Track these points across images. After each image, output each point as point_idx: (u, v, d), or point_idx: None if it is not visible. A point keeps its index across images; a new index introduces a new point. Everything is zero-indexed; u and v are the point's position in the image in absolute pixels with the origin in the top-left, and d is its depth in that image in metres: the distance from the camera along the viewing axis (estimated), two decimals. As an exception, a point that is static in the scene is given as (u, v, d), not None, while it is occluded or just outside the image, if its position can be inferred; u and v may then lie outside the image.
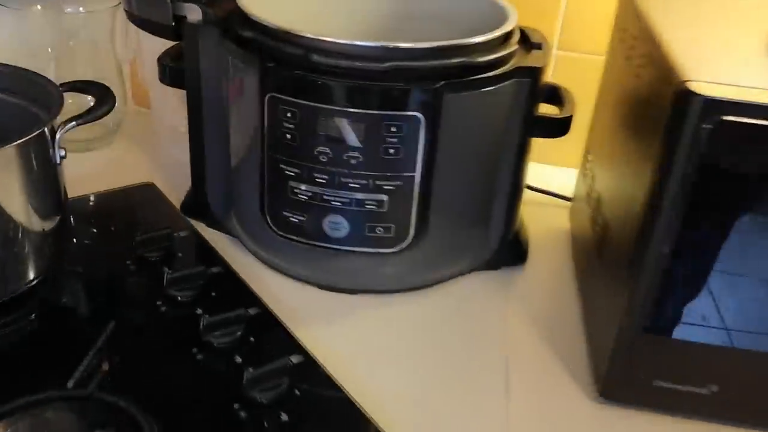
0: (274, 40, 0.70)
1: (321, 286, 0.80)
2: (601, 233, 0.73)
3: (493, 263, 0.85)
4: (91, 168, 0.98)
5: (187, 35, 0.77)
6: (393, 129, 0.68)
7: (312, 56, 0.67)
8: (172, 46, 0.83)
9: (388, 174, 0.70)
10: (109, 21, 0.98)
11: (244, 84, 0.73)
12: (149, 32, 0.79)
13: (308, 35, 0.68)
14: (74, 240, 0.81)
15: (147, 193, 0.93)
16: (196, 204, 0.87)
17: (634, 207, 0.61)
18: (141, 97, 1.12)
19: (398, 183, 0.71)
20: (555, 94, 0.80)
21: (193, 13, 0.76)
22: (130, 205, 0.91)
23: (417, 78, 0.68)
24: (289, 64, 0.68)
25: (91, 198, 0.90)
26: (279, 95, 0.69)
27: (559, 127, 0.77)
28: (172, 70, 0.80)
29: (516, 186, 0.80)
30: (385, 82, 0.67)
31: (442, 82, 0.67)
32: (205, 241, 0.84)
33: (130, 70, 1.10)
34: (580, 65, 0.97)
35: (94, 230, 0.84)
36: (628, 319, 0.63)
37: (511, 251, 0.85)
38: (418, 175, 0.71)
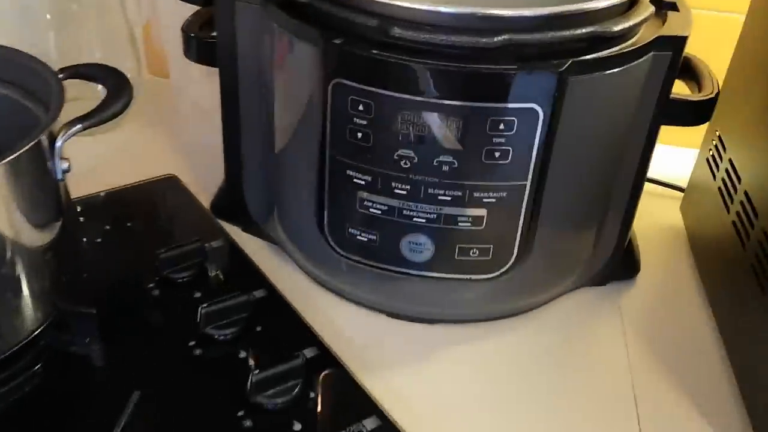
0: (341, 6, 0.52)
1: (391, 315, 0.63)
2: (766, 251, 0.56)
3: (601, 278, 0.68)
4: (96, 157, 0.81)
5: (218, -2, 0.60)
6: (501, 126, 0.51)
7: (393, 29, 0.50)
8: (200, 10, 0.65)
9: (491, 183, 0.53)
10: (117, -22, 0.80)
11: (299, 65, 0.55)
12: (173, -5, 0.61)
13: (387, 0, 0.51)
14: (80, 264, 0.64)
15: (168, 188, 0.76)
16: (230, 204, 0.71)
17: None
18: (158, 65, 0.95)
19: (503, 194, 0.54)
20: (688, 69, 0.62)
21: (227, -31, 0.59)
22: (149, 207, 0.74)
23: (535, 57, 0.50)
24: (362, 40, 0.51)
25: (99, 199, 0.73)
26: (347, 81, 0.51)
27: (698, 112, 0.60)
28: (200, 43, 0.63)
29: (637, 187, 0.63)
30: (493, 63, 0.49)
31: (570, 62, 0.50)
32: (245, 256, 0.68)
33: (143, 35, 0.92)
34: (703, 25, 0.79)
35: (105, 242, 0.68)
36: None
37: (622, 263, 0.68)
38: (529, 184, 0.53)
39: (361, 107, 0.52)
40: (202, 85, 0.82)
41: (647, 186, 0.78)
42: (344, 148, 0.54)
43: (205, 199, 0.75)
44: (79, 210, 0.71)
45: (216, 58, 0.62)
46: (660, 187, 0.83)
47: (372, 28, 0.51)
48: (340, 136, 0.54)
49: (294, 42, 0.55)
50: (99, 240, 0.68)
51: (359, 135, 0.53)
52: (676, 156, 0.84)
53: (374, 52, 0.50)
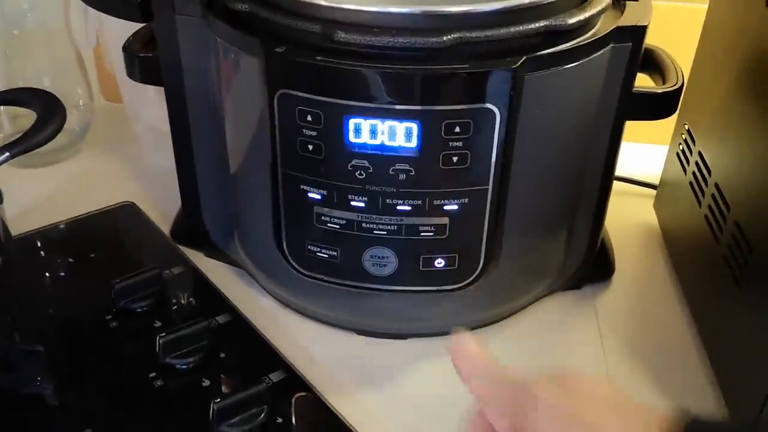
0: (281, 13, 0.50)
1: (360, 332, 0.61)
2: (739, 243, 0.54)
3: (575, 281, 0.66)
4: (52, 189, 0.78)
5: (158, 13, 0.57)
6: (457, 129, 0.49)
7: (337, 34, 0.48)
8: (141, 28, 0.63)
9: (451, 189, 0.51)
10: (59, 1, 0.77)
11: (244, 78, 0.53)
12: (110, 13, 0.59)
13: (329, 3, 0.49)
14: (30, 299, 0.61)
15: (127, 216, 0.74)
16: (190, 229, 0.68)
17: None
18: (111, 91, 0.92)
19: (464, 200, 0.51)
20: (651, 61, 0.60)
21: (165, -17, 0.56)
22: (107, 236, 0.72)
23: (489, 55, 0.48)
24: (306, 47, 0.49)
25: (58, 230, 0.70)
26: (293, 92, 0.49)
27: (663, 105, 0.58)
28: (143, 62, 0.60)
29: (606, 185, 0.61)
30: (444, 64, 0.47)
31: (524, 58, 0.48)
32: (207, 281, 0.65)
33: (94, 59, 0.90)
34: (667, 17, 0.77)
35: (58, 275, 0.65)
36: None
37: (597, 265, 0.66)
38: (491, 187, 0.51)
39: (309, 118, 0.49)
40: (156, 106, 0.79)
41: (620, 185, 0.76)
42: (296, 162, 0.52)
43: (166, 225, 0.72)
44: (39, 244, 0.68)
45: (161, 76, 0.60)
46: (633, 186, 0.81)
47: (315, 33, 0.49)
48: (290, 150, 0.51)
49: (237, 54, 0.52)
50: (62, 274, 0.65)
51: (310, 147, 0.50)
52: (647, 153, 0.82)
53: (318, 58, 0.48)
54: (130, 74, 0.61)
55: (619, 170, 0.61)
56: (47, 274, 0.65)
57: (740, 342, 0.53)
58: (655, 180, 0.78)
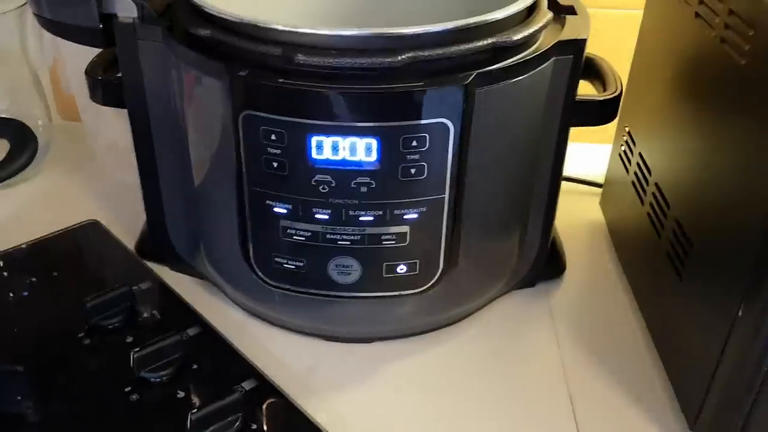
0: (242, 37, 0.52)
1: (328, 338, 0.64)
2: (679, 238, 0.58)
3: (529, 280, 0.70)
4: (13, 209, 0.79)
5: (120, 39, 0.59)
6: (414, 143, 0.51)
7: (297, 57, 0.50)
8: (103, 51, 0.64)
9: (410, 200, 0.54)
10: (16, 24, 0.78)
11: (208, 100, 0.55)
12: (70, 40, 0.60)
13: (288, 28, 0.51)
14: (6, 321, 0.63)
15: (91, 234, 0.75)
16: (155, 244, 0.70)
17: (761, 197, 0.46)
18: (69, 109, 0.93)
19: (423, 209, 0.54)
20: (592, 69, 0.64)
21: (126, 9, 0.58)
22: (73, 255, 0.73)
23: (441, 72, 0.51)
24: (268, 69, 0.51)
25: (22, 252, 0.71)
26: (257, 113, 0.52)
27: (604, 111, 0.62)
28: (106, 86, 0.62)
29: (554, 187, 0.65)
30: (400, 82, 0.50)
31: (474, 74, 0.51)
32: (176, 295, 0.67)
33: (51, 77, 0.90)
34: (605, 24, 0.81)
35: (33, 296, 0.66)
36: (752, 356, 0.48)
37: (549, 263, 0.70)
38: (447, 196, 0.54)
39: (273, 137, 0.52)
40: (116, 124, 0.80)
41: (567, 185, 0.80)
42: (261, 179, 0.54)
43: (131, 241, 0.74)
44: (1, 265, 0.69)
45: (124, 100, 0.62)
46: (580, 185, 0.85)
47: (276, 56, 0.51)
48: (255, 168, 0.54)
49: (200, 77, 0.54)
50: (26, 294, 0.66)
51: (275, 165, 0.53)
52: (592, 153, 0.86)
53: (280, 81, 0.50)
54: (93, 98, 0.62)
55: (566, 170, 0.65)
56: (12, 295, 0.66)
57: (684, 331, 0.57)
58: (600, 179, 0.82)
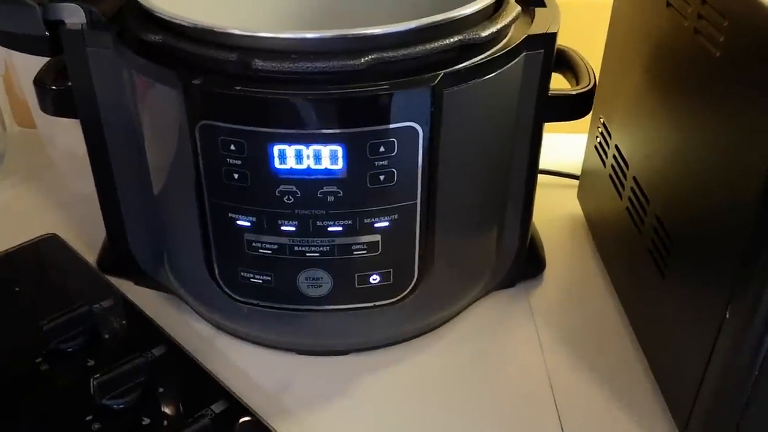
0: (196, 43, 0.49)
1: (301, 351, 0.61)
2: (660, 235, 0.56)
3: (509, 280, 0.68)
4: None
5: (68, 47, 0.56)
6: (382, 149, 0.49)
7: (254, 62, 0.47)
8: (52, 60, 0.61)
9: (381, 207, 0.51)
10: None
11: (162, 109, 0.52)
12: (16, 49, 0.57)
13: (244, 32, 0.48)
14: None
15: (49, 249, 0.72)
16: (117, 258, 0.67)
17: (741, 191, 0.44)
18: (25, 116, 0.89)
19: (394, 216, 0.52)
20: (564, 62, 0.62)
21: (73, 15, 0.55)
22: (29, 272, 0.69)
23: (407, 73, 0.48)
24: (224, 76, 0.48)
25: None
26: (214, 122, 0.49)
27: (578, 106, 0.60)
28: (56, 96, 0.59)
29: (530, 185, 0.63)
30: (363, 85, 0.47)
31: (441, 74, 0.48)
32: (140, 312, 0.64)
33: (4, 84, 0.87)
34: (576, 13, 0.79)
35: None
36: (742, 360, 0.46)
37: (528, 261, 0.68)
38: (419, 202, 0.52)
39: (233, 147, 0.49)
40: (73, 131, 0.77)
41: (543, 177, 0.77)
42: (222, 191, 0.51)
43: (92, 255, 0.70)
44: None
45: (76, 109, 0.58)
46: (556, 177, 0.83)
47: (232, 62, 0.48)
48: (215, 180, 0.51)
49: (153, 85, 0.51)
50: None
51: (236, 176, 0.50)
52: (567, 143, 0.84)
53: (237, 88, 0.47)
54: (43, 108, 0.59)
55: (541, 162, 0.62)
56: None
57: (670, 332, 0.55)
58: (577, 170, 0.80)
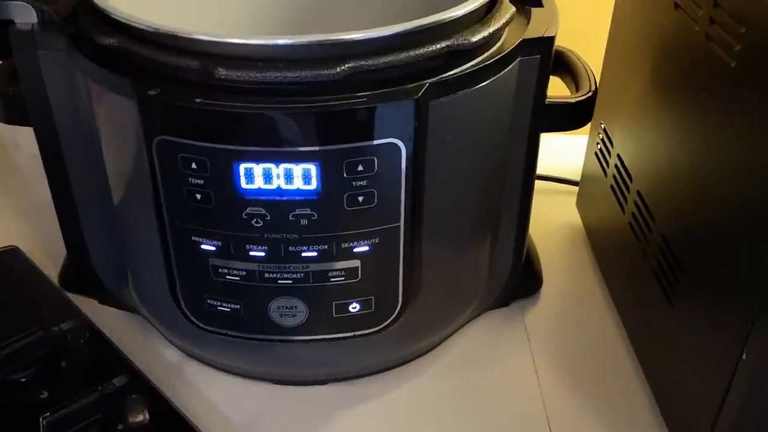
0: (154, 48, 0.44)
1: (276, 381, 0.56)
2: (667, 257, 0.51)
3: (503, 299, 0.63)
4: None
5: (18, 49, 0.51)
6: (360, 168, 0.44)
7: (217, 71, 0.42)
8: (3, 62, 0.55)
9: (360, 231, 0.46)
10: None
11: (117, 120, 0.47)
12: (-42, 52, 0.52)
13: (207, 37, 0.43)
14: None
15: (8, 263, 0.67)
16: (80, 275, 0.62)
17: (761, 213, 0.39)
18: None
19: (375, 240, 0.47)
20: (562, 64, 0.57)
21: (23, 14, 0.50)
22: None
23: (388, 84, 0.43)
24: (184, 86, 0.43)
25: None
26: (173, 138, 0.43)
27: (578, 115, 0.55)
28: (7, 102, 0.54)
29: (525, 199, 0.58)
30: (339, 98, 0.42)
31: (426, 84, 0.43)
32: (101, 335, 0.59)
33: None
34: (577, 11, 0.74)
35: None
36: (760, 406, 0.41)
37: (523, 278, 0.63)
38: (402, 224, 0.47)
39: (194, 165, 0.44)
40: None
41: (539, 183, 0.72)
42: (184, 213, 0.46)
43: (55, 269, 0.65)
44: None
45: (28, 116, 0.53)
46: (552, 183, 0.78)
47: (194, 71, 0.43)
48: (176, 200, 0.46)
49: (107, 94, 0.46)
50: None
51: (198, 196, 0.45)
52: (566, 145, 0.79)
53: (198, 101, 0.42)
54: (-8, 116, 0.54)
55: (537, 167, 0.57)
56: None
57: (679, 366, 0.50)
58: (576, 175, 0.75)
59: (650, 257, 0.54)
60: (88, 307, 0.62)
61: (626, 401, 0.55)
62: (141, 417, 0.52)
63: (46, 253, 0.67)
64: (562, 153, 0.80)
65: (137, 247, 0.53)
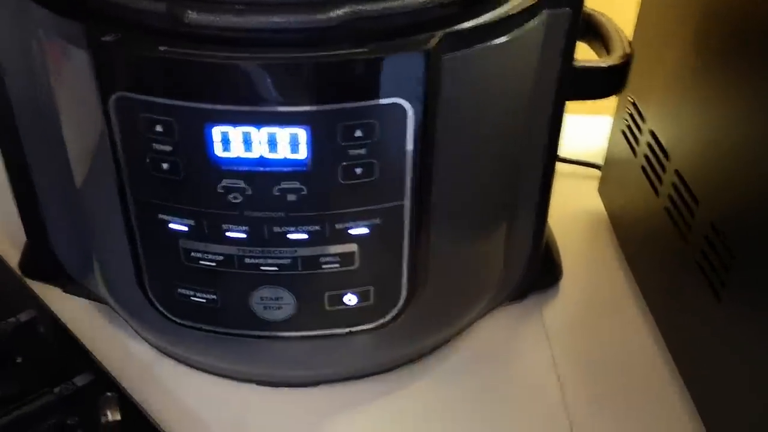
0: (111, -12, 0.37)
1: (260, 383, 0.49)
2: (716, 246, 0.44)
3: (519, 292, 0.56)
4: None
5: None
6: (359, 133, 0.37)
7: (187, 14, 0.35)
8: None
9: (358, 209, 0.39)
10: None
11: (71, 77, 0.40)
12: None
13: (173, -27, 0.36)
14: None
15: (-34, 247, 0.59)
16: (41, 261, 0.55)
17: None
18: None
19: (375, 221, 0.40)
20: (589, 28, 0.49)
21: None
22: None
23: (391, 34, 0.36)
24: (147, 32, 0.36)
25: None
26: (133, 95, 0.36)
27: (610, 81, 0.48)
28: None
29: (547, 179, 0.51)
30: (334, 49, 0.35)
31: (440, 35, 0.36)
32: (63, 328, 0.52)
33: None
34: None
35: None
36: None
37: (542, 270, 0.56)
38: (408, 202, 0.40)
39: (159, 128, 0.37)
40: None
41: (558, 166, 0.65)
42: (149, 186, 0.39)
43: (15, 254, 0.58)
44: None
45: (-25, 78, 0.46)
46: (573, 166, 0.71)
47: (159, 14, 0.36)
48: (140, 170, 0.39)
49: (60, 45, 0.39)
50: None
51: (164, 166, 0.38)
52: (587, 125, 0.72)
53: (162, 49, 0.35)
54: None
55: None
56: None
57: (724, 369, 0.43)
58: (598, 158, 0.68)
59: (693, 247, 0.47)
60: (52, 296, 0.55)
61: (658, 404, 0.48)
62: (105, 422, 0.45)
63: (5, 236, 0.60)
64: (583, 135, 0.73)
65: (100, 229, 0.46)
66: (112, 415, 0.45)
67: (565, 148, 0.66)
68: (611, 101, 0.64)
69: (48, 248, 0.53)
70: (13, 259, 0.58)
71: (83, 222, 0.48)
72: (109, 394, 0.45)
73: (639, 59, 0.56)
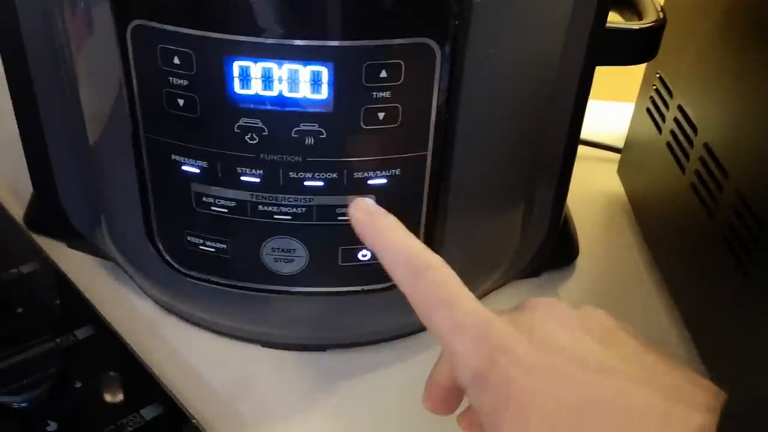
0: None
1: (265, 344, 0.47)
2: (745, 218, 0.42)
3: (534, 268, 0.54)
4: None
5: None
6: (384, 74, 0.35)
7: (210, -61, 0.33)
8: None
9: (378, 158, 0.38)
10: None
11: (89, 9, 0.38)
12: None
13: None
14: None
15: (-30, 199, 0.58)
16: (47, 214, 0.53)
17: None
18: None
19: (395, 171, 0.38)
20: (622, -6, 0.48)
21: None
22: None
23: (423, -31, 0.34)
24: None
25: None
26: (151, 23, 0.35)
27: (643, 44, 0.46)
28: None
29: (571, 147, 0.49)
30: (362, -19, 0.34)
31: (472, -25, 0.34)
32: (66, 281, 0.50)
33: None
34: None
35: None
36: None
37: (557, 248, 0.54)
38: (430, 153, 0.38)
39: (177, 60, 0.35)
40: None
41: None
42: (163, 124, 0.38)
43: (20, 207, 0.57)
44: None
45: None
46: (591, 149, 0.69)
47: (181, -59, 0.34)
48: (154, 107, 0.37)
49: (76, -26, 0.37)
50: None
51: (180, 102, 0.36)
52: (605, 111, 0.71)
53: (185, -25, 0.33)
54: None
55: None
56: None
57: (754, 347, 0.41)
58: (617, 142, 0.67)
59: (720, 221, 0.45)
60: (56, 251, 0.54)
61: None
62: (104, 376, 0.43)
63: (10, 188, 0.59)
64: (602, 120, 0.71)
65: (110, 176, 0.45)
66: (111, 371, 0.43)
67: (584, 133, 0.65)
68: (632, 87, 0.63)
69: (55, 201, 0.52)
70: (18, 212, 0.57)
71: (92, 170, 0.47)
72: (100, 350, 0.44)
73: (668, 34, 0.54)
